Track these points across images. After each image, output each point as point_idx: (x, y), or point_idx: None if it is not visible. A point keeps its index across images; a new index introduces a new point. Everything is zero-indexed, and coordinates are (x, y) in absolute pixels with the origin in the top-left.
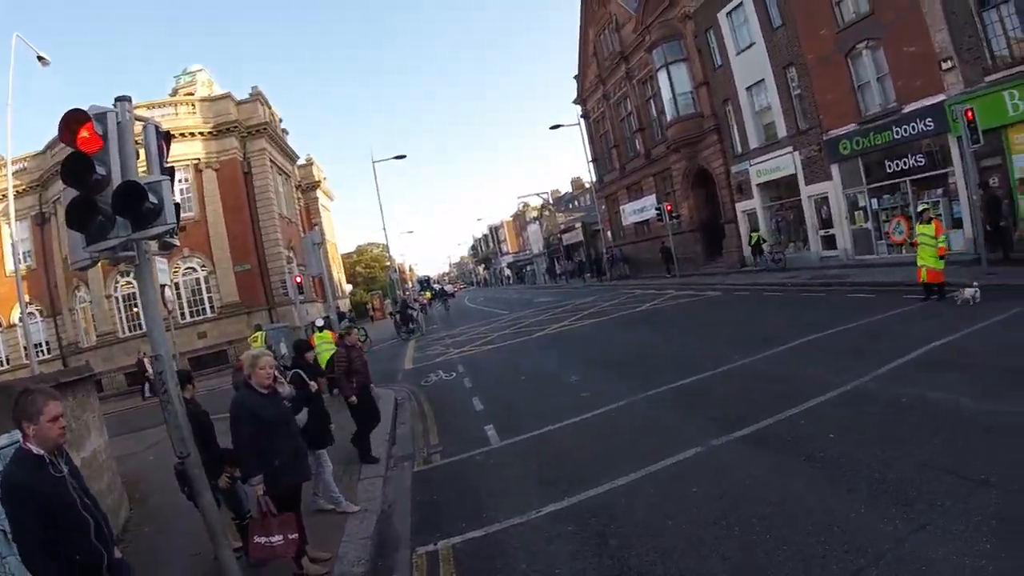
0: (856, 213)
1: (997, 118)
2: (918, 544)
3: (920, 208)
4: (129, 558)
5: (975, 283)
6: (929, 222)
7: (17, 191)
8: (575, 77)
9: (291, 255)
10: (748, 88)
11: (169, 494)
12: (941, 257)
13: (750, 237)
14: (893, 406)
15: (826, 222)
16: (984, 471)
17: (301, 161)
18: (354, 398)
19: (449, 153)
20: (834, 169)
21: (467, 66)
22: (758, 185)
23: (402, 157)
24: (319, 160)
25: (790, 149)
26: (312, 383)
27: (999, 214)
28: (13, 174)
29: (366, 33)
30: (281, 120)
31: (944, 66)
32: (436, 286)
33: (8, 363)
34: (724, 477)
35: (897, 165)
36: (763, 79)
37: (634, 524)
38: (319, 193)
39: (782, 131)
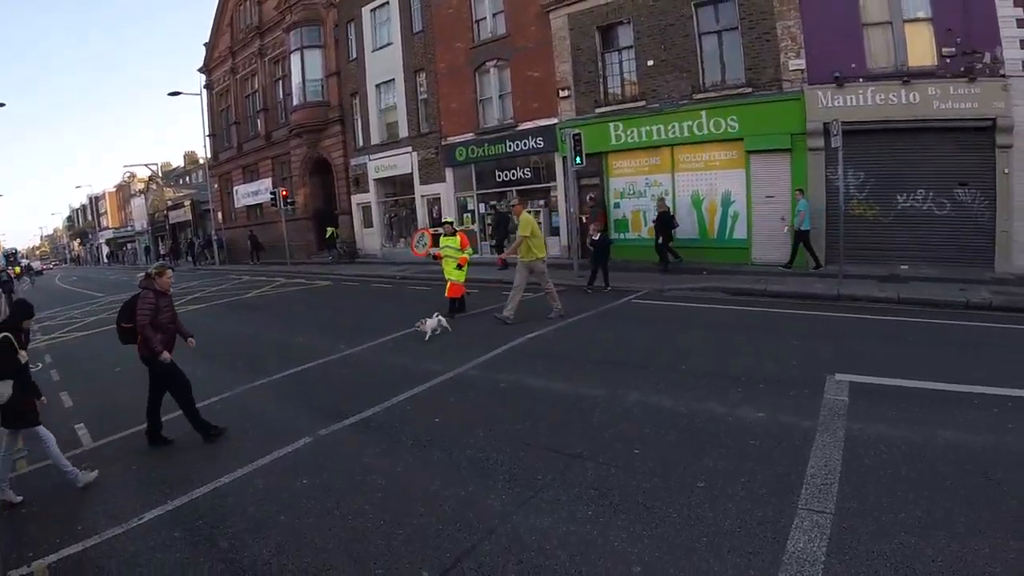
0: (465, 215)
1: (601, 144)
2: (526, 516)
3: (444, 220)
4: None
5: (436, 314)
6: (454, 234)
7: None
8: (205, 44)
9: None
10: (378, 85)
11: None
12: (460, 267)
13: (326, 231)
14: (494, 391)
15: (437, 221)
16: (578, 446)
17: None
18: (166, 354)
19: (57, 108)
20: (449, 173)
21: (90, 15)
22: (376, 180)
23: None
24: None
25: (409, 149)
26: (23, 352)
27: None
28: None
29: None
30: None
31: (562, 94)
32: (24, 261)
33: None
34: (334, 466)
35: (507, 175)
36: (394, 79)
37: (245, 523)
38: None
39: (404, 131)
